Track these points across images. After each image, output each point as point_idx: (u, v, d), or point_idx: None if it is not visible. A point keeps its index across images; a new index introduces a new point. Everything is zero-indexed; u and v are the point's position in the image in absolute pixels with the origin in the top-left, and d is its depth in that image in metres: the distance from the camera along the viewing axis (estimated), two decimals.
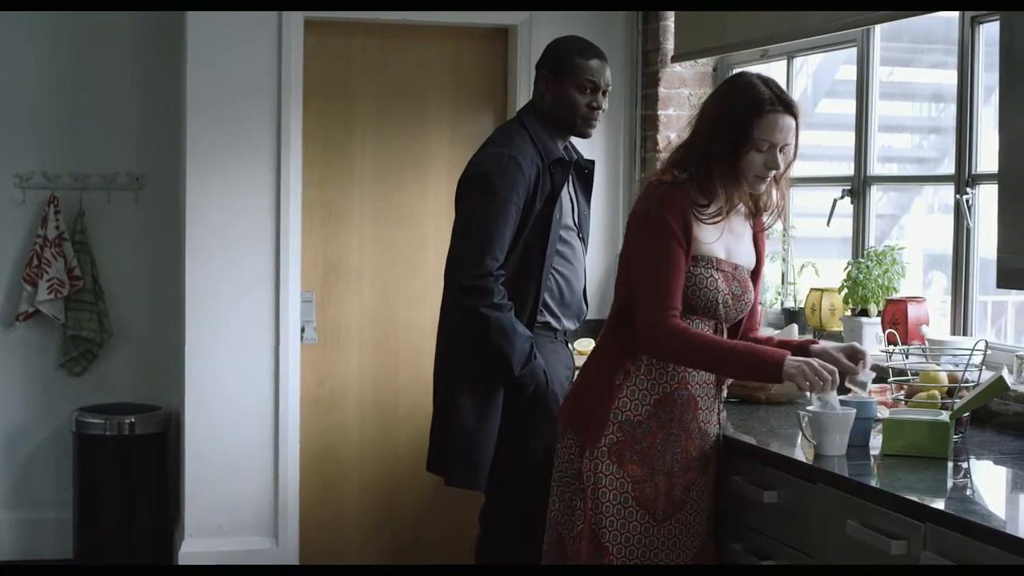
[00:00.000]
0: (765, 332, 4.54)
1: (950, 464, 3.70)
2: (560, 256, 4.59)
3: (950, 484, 3.57)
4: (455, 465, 4.51)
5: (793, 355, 3.81)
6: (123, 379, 6.82)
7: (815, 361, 3.77)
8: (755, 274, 4.09)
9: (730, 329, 4.02)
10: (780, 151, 3.90)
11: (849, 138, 5.52)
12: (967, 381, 4.10)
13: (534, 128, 4.59)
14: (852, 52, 5.52)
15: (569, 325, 4.70)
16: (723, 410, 4.13)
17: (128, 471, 6.51)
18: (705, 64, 6.52)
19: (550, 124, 4.63)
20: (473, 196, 4.49)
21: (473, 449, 4.47)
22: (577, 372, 4.45)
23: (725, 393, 4.14)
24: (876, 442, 3.87)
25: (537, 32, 6.36)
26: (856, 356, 3.89)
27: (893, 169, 6.49)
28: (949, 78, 4.98)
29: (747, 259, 4.04)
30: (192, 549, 6.26)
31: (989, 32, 4.73)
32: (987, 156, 4.75)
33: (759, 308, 4.23)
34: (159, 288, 6.79)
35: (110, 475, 6.50)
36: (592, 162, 4.76)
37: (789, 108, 3.88)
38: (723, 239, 3.95)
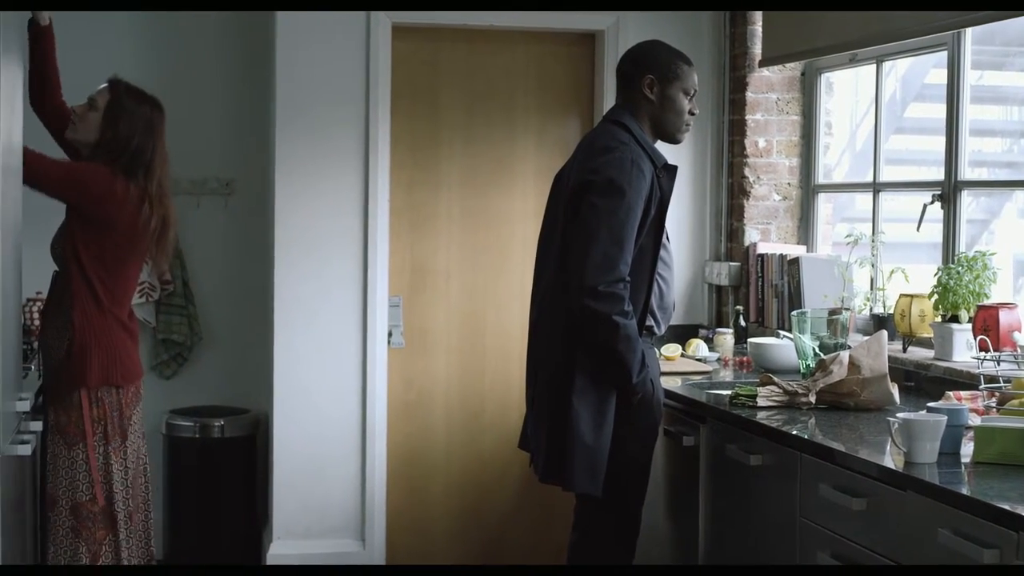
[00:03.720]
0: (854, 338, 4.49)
1: None
2: (660, 260, 4.59)
3: None
4: (575, 472, 4.44)
5: None
6: (212, 382, 6.88)
7: None
8: None
9: None
10: None
11: (939, 142, 5.46)
12: None
13: (638, 132, 4.57)
14: (942, 56, 5.48)
15: (664, 329, 4.71)
16: None
17: (217, 473, 6.57)
18: (793, 68, 6.49)
19: (650, 129, 4.63)
20: (601, 201, 4.40)
21: (593, 455, 4.44)
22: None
23: None
24: (967, 450, 3.83)
25: (624, 37, 6.36)
26: None
27: (983, 174, 6.42)
28: None
29: None
30: (280, 551, 6.31)
31: None
32: None
33: None
34: (248, 292, 6.85)
35: (199, 477, 6.56)
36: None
37: None
38: None
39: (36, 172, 4.60)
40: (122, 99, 4.89)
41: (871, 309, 5.75)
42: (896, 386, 4.69)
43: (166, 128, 5.00)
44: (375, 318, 6.35)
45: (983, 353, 4.43)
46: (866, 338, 4.88)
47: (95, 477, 4.72)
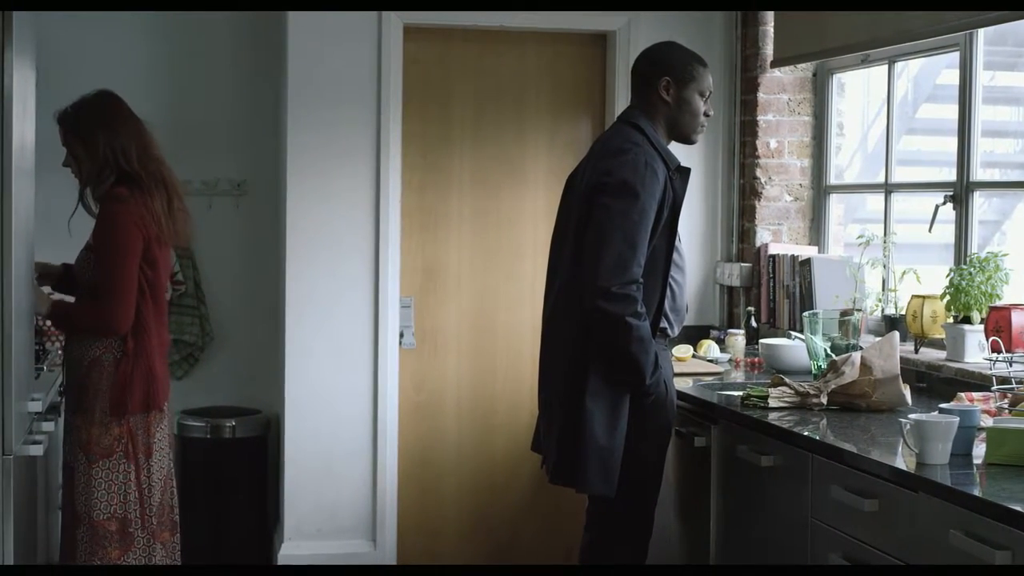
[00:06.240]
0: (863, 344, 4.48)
1: None
2: (672, 263, 4.58)
3: None
4: (588, 473, 4.44)
5: None
6: (224, 383, 6.88)
7: None
8: None
9: None
10: None
11: (951, 143, 5.45)
12: None
13: (652, 134, 4.57)
14: (954, 56, 5.46)
15: (678, 330, 4.70)
16: None
17: (228, 474, 6.57)
18: (805, 69, 6.48)
19: (665, 130, 4.63)
20: (614, 203, 4.39)
21: (606, 457, 4.44)
22: None
23: None
24: (979, 451, 3.82)
25: (635, 38, 6.36)
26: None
27: (995, 175, 6.41)
28: None
29: None
30: (291, 552, 6.32)
31: None
32: None
33: None
34: (259, 293, 6.85)
35: (210, 478, 6.56)
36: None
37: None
38: None
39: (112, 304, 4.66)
40: (71, 126, 4.81)
41: (883, 310, 5.74)
42: (908, 387, 4.68)
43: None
44: (386, 319, 6.35)
45: (995, 354, 4.42)
46: (878, 339, 4.87)
47: (113, 500, 4.69)
